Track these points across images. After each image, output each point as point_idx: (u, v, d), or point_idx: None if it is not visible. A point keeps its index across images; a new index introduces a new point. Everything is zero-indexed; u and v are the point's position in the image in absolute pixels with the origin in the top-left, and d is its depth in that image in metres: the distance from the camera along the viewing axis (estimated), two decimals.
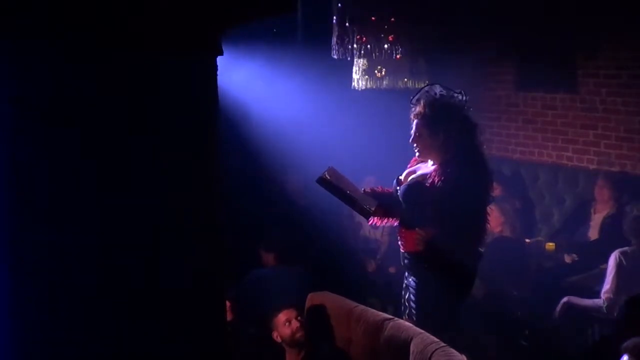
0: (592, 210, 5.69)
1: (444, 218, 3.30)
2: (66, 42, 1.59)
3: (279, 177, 5.69)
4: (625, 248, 4.62)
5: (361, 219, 4.12)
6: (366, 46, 4.96)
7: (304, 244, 5.33)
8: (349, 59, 5.08)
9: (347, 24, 4.86)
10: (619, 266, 4.53)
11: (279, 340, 3.72)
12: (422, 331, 3.23)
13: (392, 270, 5.55)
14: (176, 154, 1.75)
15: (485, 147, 3.54)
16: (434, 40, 5.49)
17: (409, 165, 3.65)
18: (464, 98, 3.44)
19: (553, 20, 5.66)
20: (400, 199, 3.49)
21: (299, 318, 3.67)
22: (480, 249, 3.53)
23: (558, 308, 4.82)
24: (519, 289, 5.10)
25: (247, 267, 4.91)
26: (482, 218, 3.46)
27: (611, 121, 5.98)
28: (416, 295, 3.49)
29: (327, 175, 3.48)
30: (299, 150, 5.42)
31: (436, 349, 2.99)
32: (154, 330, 1.75)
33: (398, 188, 3.55)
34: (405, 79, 5.46)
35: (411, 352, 3.13)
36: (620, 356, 2.52)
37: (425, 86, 3.58)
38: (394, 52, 5.01)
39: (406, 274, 3.59)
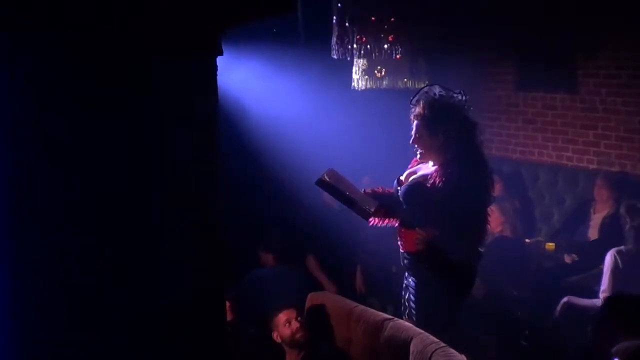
0: (591, 210, 5.69)
1: (445, 218, 3.30)
2: (66, 42, 1.59)
3: (278, 177, 5.69)
4: (621, 247, 4.61)
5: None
6: (366, 46, 4.96)
7: (304, 244, 5.33)
8: (348, 59, 5.08)
9: (347, 24, 4.86)
10: (615, 265, 4.53)
11: (279, 340, 3.72)
12: (422, 331, 3.23)
13: (392, 269, 5.55)
14: (176, 154, 1.75)
15: (485, 147, 3.54)
16: (434, 40, 5.49)
17: (409, 166, 3.65)
18: (464, 98, 3.44)
19: (553, 20, 5.66)
20: (401, 200, 3.49)
21: (298, 319, 3.67)
22: (480, 249, 3.53)
23: (558, 308, 4.82)
24: (519, 289, 5.10)
25: (247, 267, 4.91)
26: (483, 218, 3.46)
27: (611, 121, 5.98)
28: (416, 296, 3.49)
29: (326, 177, 3.48)
30: (299, 150, 5.42)
31: (436, 349, 2.99)
32: (154, 330, 1.75)
33: (399, 188, 3.55)
34: (405, 79, 5.46)
35: (411, 352, 3.13)
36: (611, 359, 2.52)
37: (424, 87, 3.58)
38: (393, 52, 5.01)
39: (406, 274, 3.60)
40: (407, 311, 3.57)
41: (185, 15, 1.71)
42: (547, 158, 6.57)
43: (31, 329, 1.65)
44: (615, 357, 2.50)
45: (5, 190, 1.61)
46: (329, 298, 3.87)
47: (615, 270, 4.52)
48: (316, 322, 3.70)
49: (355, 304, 3.71)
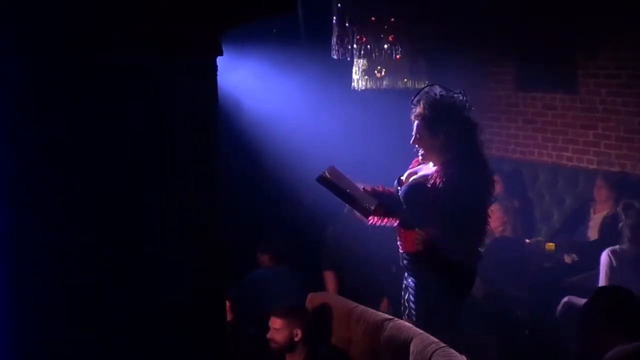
0: (591, 211, 5.69)
1: (445, 219, 3.30)
2: (66, 43, 1.59)
3: (278, 177, 5.69)
4: (615, 247, 4.61)
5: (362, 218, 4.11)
6: (366, 46, 4.96)
7: (302, 244, 5.33)
8: (348, 59, 5.09)
9: (347, 24, 4.86)
10: (610, 265, 4.53)
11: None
12: (422, 331, 3.23)
13: (392, 269, 5.55)
14: (176, 154, 1.75)
15: (485, 147, 3.54)
16: (434, 40, 5.49)
17: (410, 166, 3.65)
18: (464, 98, 3.44)
19: (553, 20, 5.66)
20: (402, 200, 3.49)
21: (277, 327, 3.62)
22: (480, 249, 3.53)
23: (558, 308, 4.82)
24: (519, 289, 5.10)
25: (247, 267, 4.91)
26: (483, 219, 3.47)
27: (611, 121, 5.98)
28: (416, 296, 3.49)
29: (327, 174, 3.48)
30: (299, 150, 5.42)
31: (436, 350, 2.99)
32: (154, 330, 1.75)
33: (399, 189, 3.55)
34: (405, 79, 5.47)
35: (411, 352, 3.13)
36: None
37: (425, 87, 3.58)
38: (393, 52, 5.01)
39: (405, 274, 3.60)
40: (407, 311, 3.57)
41: (185, 15, 1.71)
42: (547, 158, 6.57)
43: (31, 329, 1.65)
44: None
45: (5, 190, 1.61)
46: (329, 298, 3.87)
47: (610, 269, 4.53)
48: (316, 322, 3.70)
49: (355, 304, 3.71)
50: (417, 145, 3.49)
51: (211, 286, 1.88)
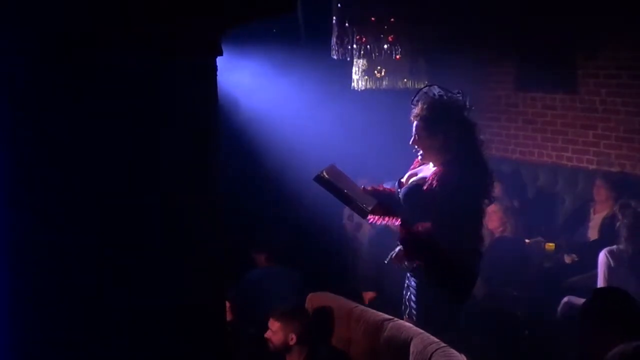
0: (591, 211, 5.69)
1: (444, 219, 3.30)
2: (66, 43, 1.59)
3: (278, 177, 5.70)
4: (613, 247, 4.61)
5: (362, 219, 4.12)
6: (366, 46, 4.96)
7: (299, 244, 5.33)
8: (348, 59, 5.09)
9: (347, 24, 4.86)
10: (607, 265, 4.53)
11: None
12: (422, 331, 3.23)
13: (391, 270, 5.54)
14: (176, 154, 1.75)
15: (485, 147, 3.54)
16: (434, 40, 5.49)
17: (411, 167, 3.65)
18: (464, 99, 3.43)
19: (553, 20, 5.67)
20: (401, 201, 3.50)
21: (274, 329, 3.63)
22: (480, 250, 3.53)
23: (559, 308, 4.82)
24: (519, 289, 5.10)
25: (247, 267, 4.91)
26: (482, 219, 3.47)
27: (611, 121, 5.98)
28: (417, 296, 3.49)
29: (324, 174, 3.48)
30: (299, 150, 5.43)
31: (436, 350, 2.99)
32: (154, 330, 1.75)
33: (399, 190, 3.55)
34: (405, 79, 5.47)
35: (411, 352, 3.13)
36: None
37: (424, 87, 3.58)
38: (393, 52, 5.01)
39: (408, 274, 3.59)
40: (408, 311, 3.57)
41: (185, 16, 1.71)
42: (546, 158, 6.57)
43: (31, 329, 1.65)
44: None
45: (5, 190, 1.61)
46: (328, 298, 3.87)
47: (607, 269, 4.53)
48: (316, 322, 3.70)
49: (355, 304, 3.71)
50: (416, 146, 3.49)
51: (211, 286, 1.88)
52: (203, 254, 1.83)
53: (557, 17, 5.62)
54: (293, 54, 5.52)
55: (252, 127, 5.55)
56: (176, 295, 1.76)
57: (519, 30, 5.93)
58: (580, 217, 5.82)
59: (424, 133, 3.42)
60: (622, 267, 4.53)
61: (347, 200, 3.52)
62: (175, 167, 1.76)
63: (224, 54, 1.85)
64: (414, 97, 3.49)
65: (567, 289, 4.97)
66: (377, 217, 3.62)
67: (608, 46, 5.86)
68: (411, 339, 3.18)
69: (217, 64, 1.85)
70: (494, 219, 5.39)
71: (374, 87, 5.43)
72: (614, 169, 5.92)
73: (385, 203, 3.57)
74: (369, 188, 3.63)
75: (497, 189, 5.93)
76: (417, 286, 3.49)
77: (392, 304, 4.89)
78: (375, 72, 5.34)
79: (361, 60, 5.25)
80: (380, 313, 3.61)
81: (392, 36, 4.96)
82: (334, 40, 4.93)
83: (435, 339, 3.09)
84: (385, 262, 3.52)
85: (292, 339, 3.55)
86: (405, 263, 3.47)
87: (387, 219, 3.64)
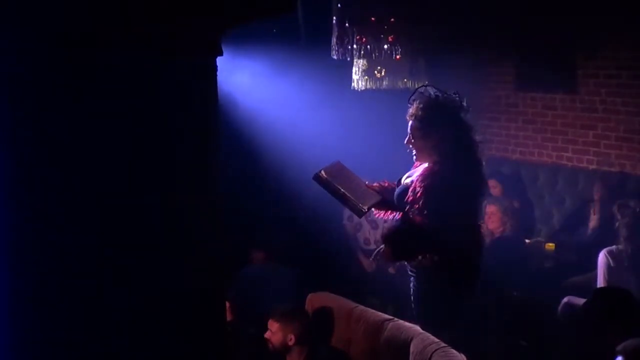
0: (591, 211, 5.69)
1: (431, 219, 3.31)
2: (66, 43, 1.59)
3: (278, 177, 5.70)
4: (613, 247, 4.61)
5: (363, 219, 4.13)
6: (366, 46, 4.96)
7: (298, 242, 5.33)
8: (348, 59, 5.08)
9: (347, 24, 4.86)
10: (607, 265, 4.53)
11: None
12: (422, 331, 3.23)
13: (392, 270, 5.55)
14: (176, 154, 1.75)
15: (482, 148, 3.53)
16: (434, 40, 5.49)
17: (413, 166, 3.66)
18: (460, 99, 3.44)
19: (553, 20, 5.66)
20: (395, 202, 3.52)
21: (273, 330, 3.63)
22: (479, 250, 3.53)
23: (559, 308, 4.82)
24: (519, 289, 5.10)
25: (245, 266, 4.92)
26: (476, 216, 3.48)
27: (611, 121, 5.98)
28: (416, 296, 3.50)
29: (322, 173, 3.49)
30: (299, 150, 5.42)
31: (436, 350, 2.99)
32: (154, 330, 1.75)
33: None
34: (405, 79, 5.46)
35: (411, 352, 3.13)
36: (615, 358, 2.51)
37: (419, 87, 3.58)
38: (393, 52, 5.01)
39: (409, 273, 3.61)
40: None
41: (185, 16, 1.71)
42: (546, 158, 6.56)
43: (31, 329, 1.65)
44: (619, 355, 2.49)
45: (5, 190, 1.61)
46: (328, 298, 3.87)
47: (607, 269, 4.53)
48: (316, 322, 3.70)
49: (355, 304, 3.71)
50: (410, 145, 3.50)
51: (211, 286, 1.88)
52: (203, 254, 1.83)
53: (557, 17, 5.62)
54: (293, 54, 5.52)
55: (252, 127, 5.55)
56: (176, 295, 1.76)
57: (519, 30, 5.92)
58: (580, 217, 5.82)
59: (418, 133, 3.43)
60: (622, 266, 4.53)
61: (343, 200, 3.53)
62: (175, 167, 1.76)
63: (224, 54, 1.85)
64: (410, 97, 3.50)
65: (567, 289, 4.97)
66: (381, 213, 3.64)
67: (608, 46, 5.86)
68: (411, 339, 3.19)
69: (217, 64, 1.85)
70: (494, 219, 5.39)
71: (374, 87, 5.42)
72: (614, 169, 5.92)
73: (390, 199, 3.58)
74: (375, 184, 3.64)
75: (497, 189, 5.97)
76: (416, 285, 3.49)
77: (392, 304, 4.91)
78: (375, 72, 5.34)
79: (361, 60, 5.25)
80: (380, 313, 3.61)
81: (392, 36, 4.96)
82: (334, 40, 4.93)
83: (435, 339, 3.09)
84: (371, 258, 3.54)
85: (291, 339, 3.55)
86: (389, 261, 3.48)
87: (391, 213, 3.65)
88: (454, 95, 3.43)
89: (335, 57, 4.99)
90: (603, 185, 5.58)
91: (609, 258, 4.55)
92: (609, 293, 3.29)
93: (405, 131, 3.55)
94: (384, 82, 5.41)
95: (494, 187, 5.97)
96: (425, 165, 3.47)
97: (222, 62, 1.87)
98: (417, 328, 3.30)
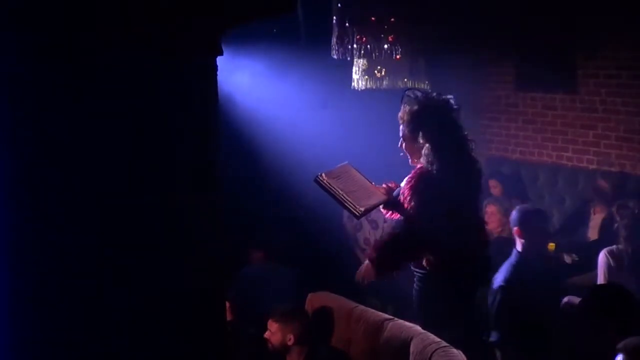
0: (591, 211, 5.69)
1: (426, 221, 3.33)
2: (66, 42, 1.59)
3: (278, 177, 5.69)
4: (613, 247, 4.61)
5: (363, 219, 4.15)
6: (366, 46, 4.95)
7: (298, 242, 5.33)
8: (348, 59, 5.08)
9: (347, 24, 4.86)
10: (607, 265, 4.53)
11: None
12: (422, 331, 3.23)
13: None
14: (176, 154, 1.75)
15: (474, 146, 3.54)
16: (434, 40, 5.49)
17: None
18: (447, 100, 3.44)
19: (553, 20, 5.67)
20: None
21: (272, 330, 3.63)
22: (480, 251, 3.54)
23: (559, 308, 4.82)
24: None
25: (245, 265, 4.92)
26: (475, 218, 3.49)
27: (611, 121, 5.99)
28: (418, 295, 3.50)
29: (322, 176, 3.51)
30: (299, 150, 5.42)
31: (436, 349, 3.00)
32: (154, 330, 1.75)
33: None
34: (405, 79, 5.46)
35: (411, 352, 3.13)
36: (615, 355, 2.51)
37: (407, 89, 3.60)
38: (393, 52, 5.01)
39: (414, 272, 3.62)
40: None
41: (185, 15, 1.71)
42: (546, 158, 6.57)
43: (31, 329, 1.65)
44: (620, 353, 2.49)
45: (5, 190, 1.61)
46: (328, 298, 3.87)
47: (607, 269, 4.53)
48: (316, 322, 3.70)
49: (355, 304, 3.71)
50: (402, 148, 3.54)
51: (211, 286, 1.88)
52: (203, 254, 1.83)
53: (557, 17, 5.62)
54: (293, 54, 5.52)
55: (252, 127, 5.54)
56: (176, 295, 1.76)
57: (519, 30, 5.92)
58: (580, 217, 5.82)
59: (407, 136, 3.47)
60: (622, 266, 4.52)
61: (340, 203, 3.55)
62: (175, 167, 1.76)
63: (224, 54, 1.85)
64: (401, 100, 3.52)
65: (567, 289, 4.96)
66: (389, 213, 3.65)
67: (608, 46, 5.86)
68: (411, 339, 3.19)
69: (217, 64, 1.85)
70: (493, 219, 5.38)
71: (374, 87, 5.42)
72: (614, 169, 5.92)
73: (396, 200, 3.61)
74: (384, 186, 3.65)
75: (497, 189, 5.97)
76: (417, 285, 3.50)
77: (392, 304, 4.91)
78: (375, 72, 5.34)
79: (361, 60, 5.25)
80: (380, 313, 3.61)
81: (392, 36, 4.95)
82: (334, 40, 4.93)
83: (436, 339, 3.09)
84: (356, 279, 3.55)
85: (291, 339, 3.56)
86: (375, 277, 3.48)
87: (395, 214, 3.67)
88: (442, 97, 3.44)
89: (335, 56, 4.99)
90: (603, 185, 5.58)
91: (609, 258, 4.55)
92: (605, 289, 3.29)
93: None
94: (384, 82, 5.41)
95: (494, 187, 5.97)
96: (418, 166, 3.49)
97: (222, 62, 1.87)
98: (417, 328, 3.31)
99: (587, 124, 6.18)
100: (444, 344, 3.05)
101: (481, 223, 3.64)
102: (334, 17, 4.89)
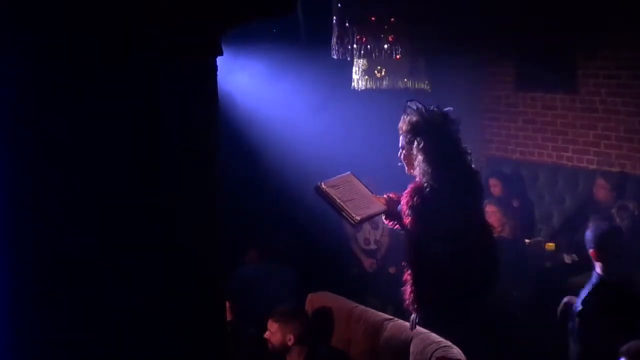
0: (592, 211, 5.69)
1: (427, 231, 3.36)
2: (67, 43, 1.59)
3: (278, 177, 5.69)
4: None
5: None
6: (366, 46, 4.95)
7: (298, 242, 5.33)
8: (348, 59, 5.08)
9: (347, 24, 4.86)
10: None
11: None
12: (423, 331, 3.23)
13: (392, 270, 5.55)
14: (176, 154, 1.75)
15: (473, 158, 3.56)
16: (434, 40, 5.49)
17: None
18: (445, 113, 3.47)
19: (553, 20, 5.66)
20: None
21: (272, 330, 3.64)
22: (480, 252, 3.55)
23: (559, 308, 4.82)
24: (519, 289, 5.10)
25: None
26: (476, 224, 3.51)
27: (611, 121, 5.99)
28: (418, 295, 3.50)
29: (321, 186, 3.52)
30: (299, 151, 5.42)
31: (436, 349, 3.00)
32: (154, 330, 1.75)
33: None
34: (405, 79, 5.46)
35: (411, 352, 3.14)
36: (618, 359, 2.51)
37: (408, 101, 3.62)
38: (393, 52, 5.01)
39: None
40: None
41: (185, 16, 1.71)
42: (547, 158, 6.57)
43: (31, 329, 1.65)
44: (623, 356, 2.49)
45: (5, 190, 1.61)
46: (328, 298, 3.87)
47: None
48: (316, 322, 3.70)
49: (355, 304, 3.72)
50: (401, 158, 3.56)
51: (211, 286, 1.88)
52: (203, 254, 1.83)
53: (557, 17, 5.62)
54: (293, 54, 5.52)
55: (252, 127, 5.55)
56: (176, 295, 1.76)
57: (519, 30, 5.92)
58: (581, 217, 5.82)
59: (406, 147, 3.50)
60: None
61: (337, 212, 3.56)
62: (175, 167, 1.76)
63: (224, 54, 1.85)
64: (404, 111, 3.56)
65: (567, 289, 4.96)
66: (390, 222, 3.69)
67: (608, 46, 5.86)
68: (411, 339, 3.19)
69: (217, 64, 1.85)
70: (493, 219, 5.38)
71: (374, 87, 5.42)
72: (614, 169, 5.92)
73: (397, 210, 3.62)
74: (385, 195, 3.69)
75: (497, 189, 5.97)
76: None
77: (392, 304, 4.90)
78: (375, 72, 5.34)
79: (361, 60, 5.24)
80: (380, 313, 3.61)
81: (392, 36, 4.95)
82: (334, 40, 4.92)
83: (436, 339, 3.09)
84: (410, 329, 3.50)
85: (290, 339, 3.56)
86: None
87: (396, 224, 3.68)
88: (442, 110, 3.47)
89: (335, 56, 4.99)
90: (603, 185, 5.58)
91: None
92: (609, 285, 3.29)
93: None
94: (384, 82, 5.41)
95: (494, 186, 5.97)
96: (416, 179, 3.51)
97: (222, 62, 1.87)
98: (417, 328, 3.31)
99: (587, 124, 6.18)
100: (444, 343, 3.05)
101: (487, 227, 3.65)
102: (334, 17, 4.89)
